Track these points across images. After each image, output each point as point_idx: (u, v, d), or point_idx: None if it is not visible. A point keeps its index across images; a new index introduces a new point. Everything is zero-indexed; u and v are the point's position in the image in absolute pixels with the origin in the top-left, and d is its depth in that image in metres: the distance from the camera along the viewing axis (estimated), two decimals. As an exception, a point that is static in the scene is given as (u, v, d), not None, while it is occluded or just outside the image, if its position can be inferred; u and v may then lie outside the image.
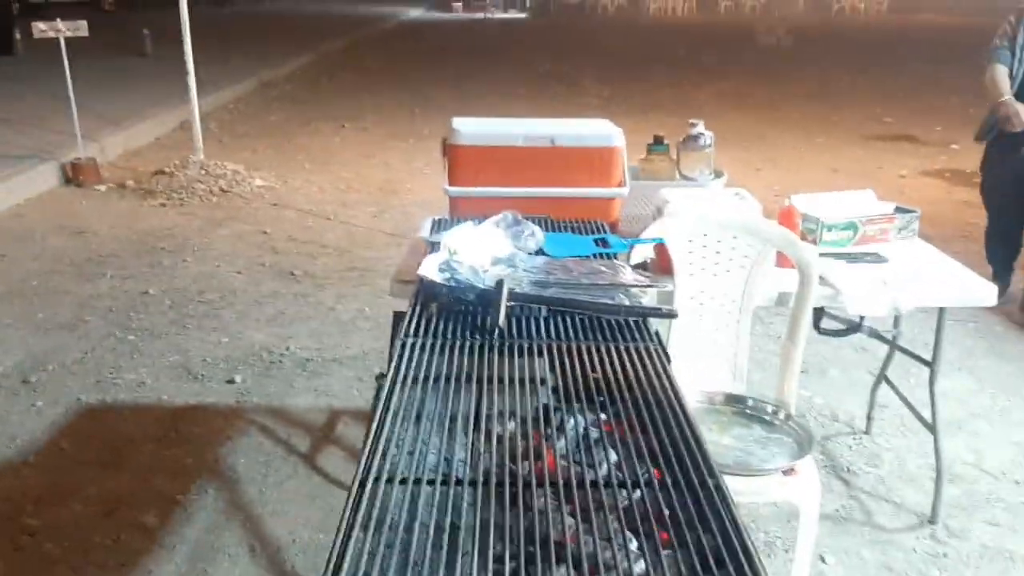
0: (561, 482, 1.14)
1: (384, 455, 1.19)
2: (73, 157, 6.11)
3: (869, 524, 2.59)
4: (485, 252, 1.99)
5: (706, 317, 2.31)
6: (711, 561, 0.99)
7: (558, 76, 12.04)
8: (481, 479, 1.15)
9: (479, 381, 1.44)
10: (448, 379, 1.44)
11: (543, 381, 1.46)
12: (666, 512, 1.08)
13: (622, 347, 1.55)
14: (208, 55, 9.54)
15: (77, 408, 3.25)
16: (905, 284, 2.31)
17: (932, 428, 2.55)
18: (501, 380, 1.44)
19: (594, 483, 1.15)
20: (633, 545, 1.03)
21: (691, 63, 13.59)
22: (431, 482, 1.14)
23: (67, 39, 5.75)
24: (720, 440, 2.09)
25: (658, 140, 2.76)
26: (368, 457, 1.18)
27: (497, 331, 1.59)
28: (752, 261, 2.26)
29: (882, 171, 6.89)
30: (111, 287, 4.45)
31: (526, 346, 1.55)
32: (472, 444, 1.27)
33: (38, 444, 3.00)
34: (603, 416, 1.36)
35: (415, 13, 24.75)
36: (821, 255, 2.48)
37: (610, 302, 1.72)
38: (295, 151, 7.60)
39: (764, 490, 2.00)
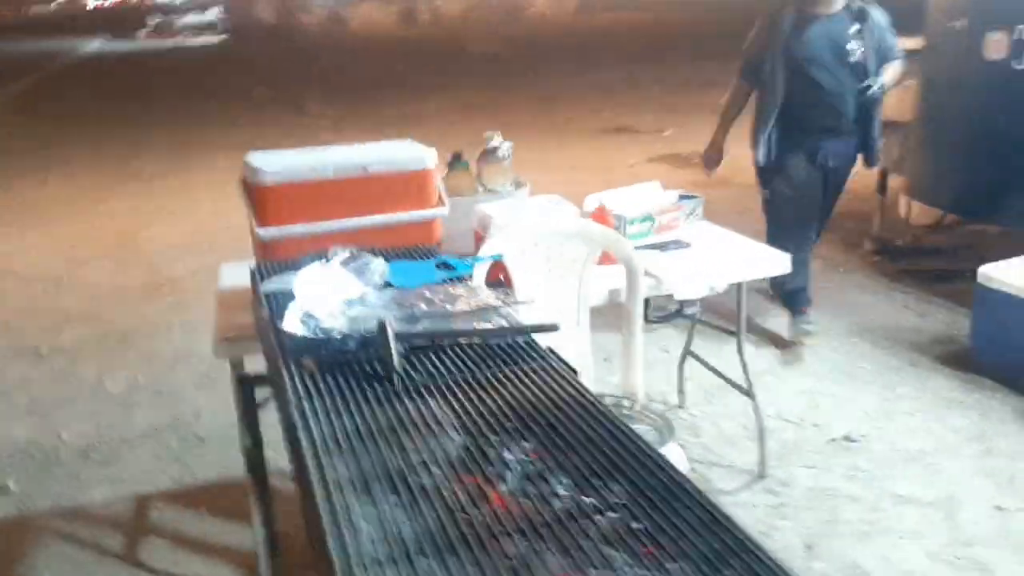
0: (529, 521, 1.09)
1: (348, 534, 1.06)
2: None
3: (710, 489, 2.75)
4: (333, 295, 1.86)
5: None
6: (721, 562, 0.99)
7: (277, 101, 11.65)
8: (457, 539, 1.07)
9: (393, 433, 1.34)
10: (362, 437, 1.32)
11: (458, 420, 1.39)
12: (650, 527, 1.07)
13: (523, 369, 1.51)
14: None
15: None
16: (712, 264, 2.48)
17: (748, 391, 2.76)
18: (416, 427, 1.35)
19: (566, 514, 1.11)
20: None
21: (412, 78, 13.74)
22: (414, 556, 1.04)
23: None
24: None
25: (457, 157, 2.74)
26: (335, 541, 1.05)
27: (393, 375, 1.49)
28: (582, 263, 2.31)
29: (612, 162, 7.39)
30: None
31: (426, 387, 1.46)
32: (429, 503, 1.17)
33: None
34: (527, 445, 1.32)
35: (96, 45, 22.72)
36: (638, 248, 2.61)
37: (492, 326, 1.68)
38: (-7, 213, 6.71)
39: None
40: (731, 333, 2.76)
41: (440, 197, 2.41)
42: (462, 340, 1.64)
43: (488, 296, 1.88)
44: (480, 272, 2.16)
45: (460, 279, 2.04)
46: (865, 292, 4.29)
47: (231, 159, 8.26)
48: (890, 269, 4.54)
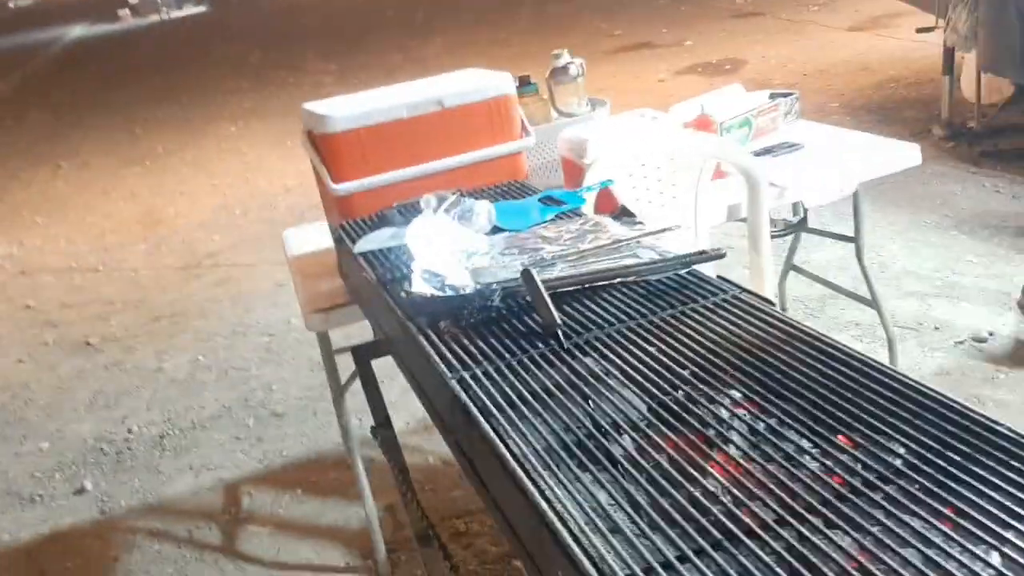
0: (790, 492, 0.87)
1: (580, 537, 0.85)
2: None
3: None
4: (452, 247, 1.64)
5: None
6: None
7: (275, 64, 11.29)
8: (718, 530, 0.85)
9: (569, 395, 1.12)
10: (535, 402, 1.11)
11: (643, 374, 1.16)
12: (952, 482, 0.84)
13: (704, 306, 1.29)
14: None
15: None
16: (834, 165, 2.23)
17: (873, 301, 2.53)
18: (595, 386, 1.13)
19: (833, 478, 0.89)
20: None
21: (405, 21, 13.29)
22: (675, 563, 0.82)
23: None
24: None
25: (525, 80, 2.47)
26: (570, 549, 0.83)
27: (557, 331, 1.26)
28: (695, 180, 2.07)
29: (641, 80, 7.06)
30: None
31: (596, 339, 1.24)
32: (648, 476, 0.96)
33: None
34: (737, 395, 1.10)
35: (78, 31, 22.20)
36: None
37: (646, 259, 1.45)
38: (15, 210, 6.50)
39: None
40: (849, 240, 2.52)
41: (524, 126, 2.16)
42: (616, 280, 1.42)
43: (618, 228, 1.65)
44: (590, 203, 1.93)
45: (573, 213, 1.81)
46: (948, 181, 4.01)
47: (241, 127, 8.07)
48: (969, 153, 4.25)
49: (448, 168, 2.03)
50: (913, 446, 0.89)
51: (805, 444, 0.96)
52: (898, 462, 0.88)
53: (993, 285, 3.06)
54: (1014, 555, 0.73)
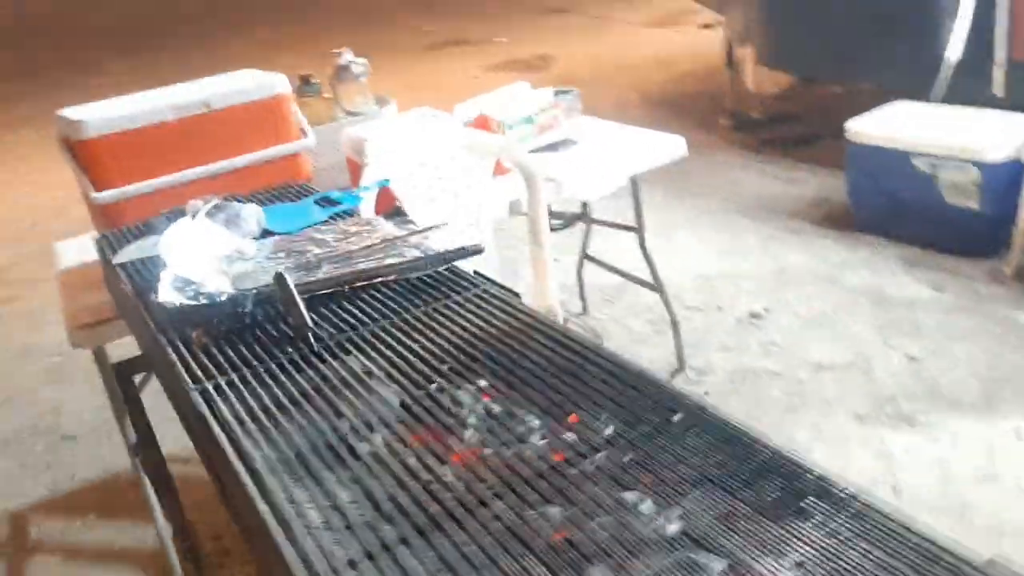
0: (513, 473, 0.92)
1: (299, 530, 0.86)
2: None
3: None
4: (207, 253, 1.60)
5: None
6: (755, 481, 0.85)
7: (67, 63, 10.52)
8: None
9: (318, 398, 1.12)
10: (283, 409, 1.10)
11: (392, 372, 1.18)
12: (651, 452, 0.91)
13: (455, 301, 1.32)
14: None
15: None
16: (610, 159, 2.34)
17: (657, 286, 2.67)
18: (345, 388, 1.13)
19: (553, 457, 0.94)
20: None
21: (192, 21, 12.73)
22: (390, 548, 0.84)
23: None
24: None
25: (306, 80, 2.44)
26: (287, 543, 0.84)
27: (307, 334, 1.26)
28: (476, 177, 2.11)
29: (455, 78, 7.11)
30: None
31: (348, 340, 1.24)
32: (388, 471, 0.97)
33: None
34: (481, 384, 1.14)
35: None
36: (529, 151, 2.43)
37: (409, 258, 1.46)
38: None
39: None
40: (630, 229, 2.64)
41: (302, 127, 2.13)
42: (376, 280, 1.43)
43: (388, 228, 1.66)
44: (368, 203, 1.93)
45: (348, 214, 1.80)
46: (733, 168, 4.29)
47: (24, 135, 7.46)
48: (751, 141, 4.56)
49: (220, 172, 1.97)
50: (619, 421, 0.95)
51: (536, 424, 1.01)
52: (608, 434, 0.94)
53: (769, 264, 3.30)
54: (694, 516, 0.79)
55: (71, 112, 1.93)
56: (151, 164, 1.94)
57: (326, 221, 1.77)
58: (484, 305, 1.30)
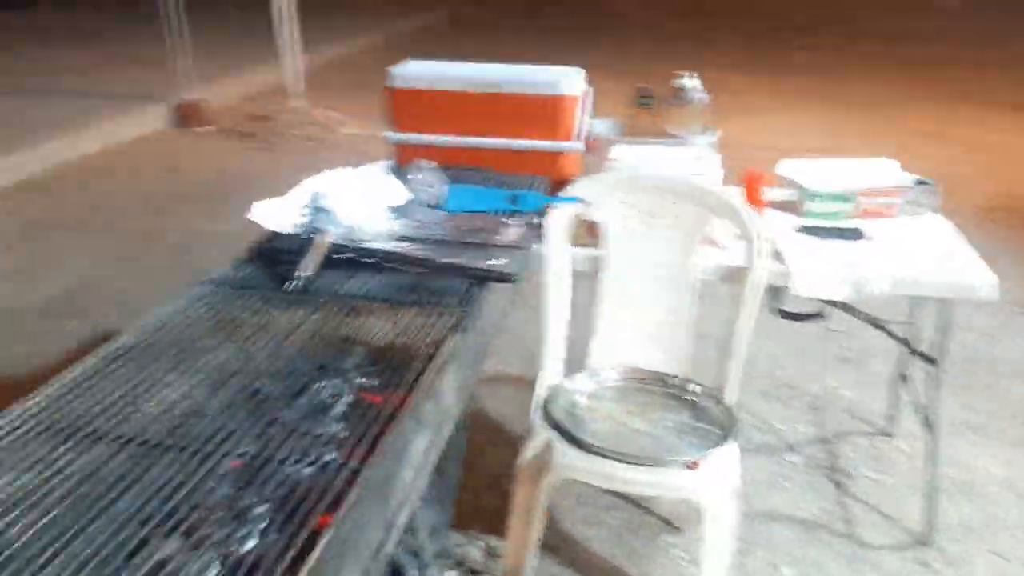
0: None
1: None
2: (181, 100, 6.40)
3: (848, 536, 2.29)
4: (378, 201, 1.87)
5: (641, 287, 2.07)
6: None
7: (685, 35, 11.38)
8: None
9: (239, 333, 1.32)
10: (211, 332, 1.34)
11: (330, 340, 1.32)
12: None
13: (423, 310, 1.39)
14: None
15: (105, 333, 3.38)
16: (879, 265, 1.98)
17: (932, 433, 2.19)
18: (269, 333, 1.32)
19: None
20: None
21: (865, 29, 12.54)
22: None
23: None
24: (630, 423, 1.88)
25: (643, 93, 2.50)
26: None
27: (299, 283, 1.46)
28: (690, 228, 2.00)
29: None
30: (178, 224, 4.60)
31: (322, 301, 1.42)
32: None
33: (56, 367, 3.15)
34: (368, 383, 1.22)
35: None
36: (803, 228, 2.19)
37: (443, 260, 1.56)
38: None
39: (664, 483, 1.79)
40: (929, 360, 2.18)
41: (577, 130, 2.24)
42: (407, 268, 1.55)
43: (508, 236, 1.74)
44: (560, 215, 1.98)
45: (522, 214, 1.90)
46: None
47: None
48: None
49: (486, 147, 2.19)
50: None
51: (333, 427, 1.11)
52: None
53: None
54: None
55: (398, 67, 2.33)
56: (438, 122, 2.25)
57: (499, 213, 1.90)
58: (429, 321, 1.35)
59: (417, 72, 2.28)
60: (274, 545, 0.85)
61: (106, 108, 6.26)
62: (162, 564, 0.83)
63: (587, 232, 2.09)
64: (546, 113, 2.21)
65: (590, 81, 2.47)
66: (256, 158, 5.74)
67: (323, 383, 1.19)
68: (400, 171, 2.01)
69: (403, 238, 1.69)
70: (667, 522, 2.30)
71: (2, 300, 3.65)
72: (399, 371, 1.20)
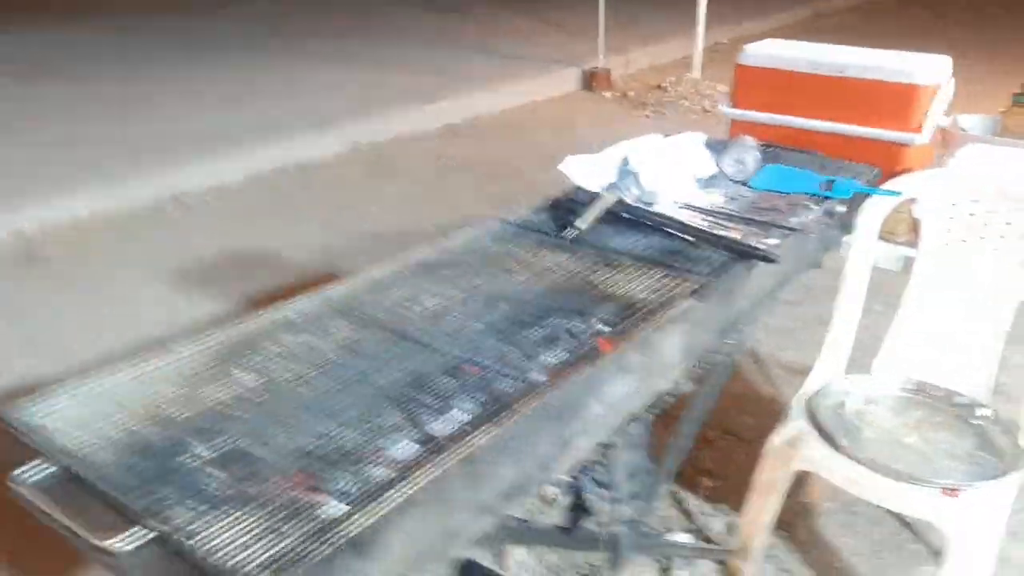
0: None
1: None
2: (592, 66, 6.86)
3: None
4: (685, 170, 1.97)
5: (952, 298, 1.92)
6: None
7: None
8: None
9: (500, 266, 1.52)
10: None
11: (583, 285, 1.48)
12: None
13: (670, 273, 1.48)
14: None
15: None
16: None
17: None
18: (533, 270, 1.51)
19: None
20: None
21: None
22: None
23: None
24: (901, 437, 1.79)
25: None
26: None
27: (574, 233, 1.63)
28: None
29: None
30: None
31: (586, 251, 1.57)
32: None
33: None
34: (605, 329, 1.37)
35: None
36: None
37: (708, 230, 1.61)
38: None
39: (912, 503, 1.69)
40: None
41: (928, 122, 2.09)
42: (677, 234, 1.64)
43: (800, 219, 1.75)
44: (875, 206, 1.91)
45: (831, 201, 1.87)
46: None
47: None
48: None
49: (819, 130, 2.15)
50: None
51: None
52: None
53: None
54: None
55: (753, 44, 2.35)
56: (777, 102, 2.25)
57: (804, 194, 1.90)
58: (670, 285, 1.45)
59: (768, 51, 2.30)
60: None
61: (529, 69, 6.94)
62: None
63: (909, 229, 1.99)
64: (894, 102, 2.10)
65: (957, 72, 2.28)
66: (644, 124, 6.01)
67: (562, 320, 1.35)
68: (717, 144, 2.08)
69: (688, 206, 1.77)
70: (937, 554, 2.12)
71: (404, 223, 4.33)
72: (623, 321, 1.32)
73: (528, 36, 8.33)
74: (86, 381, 1.15)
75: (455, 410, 1.11)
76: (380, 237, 4.09)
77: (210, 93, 6.22)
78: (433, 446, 1.05)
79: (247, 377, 1.16)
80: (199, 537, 0.88)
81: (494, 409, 1.10)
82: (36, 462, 1.02)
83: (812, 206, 1.82)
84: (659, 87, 6.67)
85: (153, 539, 0.89)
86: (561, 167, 1.83)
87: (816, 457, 1.77)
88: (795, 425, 1.86)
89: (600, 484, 1.37)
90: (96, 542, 0.88)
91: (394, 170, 5.15)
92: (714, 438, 2.59)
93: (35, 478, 1.00)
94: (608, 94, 6.74)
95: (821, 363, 1.99)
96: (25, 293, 3.59)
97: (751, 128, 2.32)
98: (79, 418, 1.07)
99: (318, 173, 5.05)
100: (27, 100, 6.15)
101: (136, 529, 0.90)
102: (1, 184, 4.36)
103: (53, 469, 1.00)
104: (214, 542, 0.88)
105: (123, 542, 0.89)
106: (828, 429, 1.78)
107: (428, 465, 1.01)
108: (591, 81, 6.85)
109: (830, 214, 1.81)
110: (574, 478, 1.31)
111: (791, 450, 1.84)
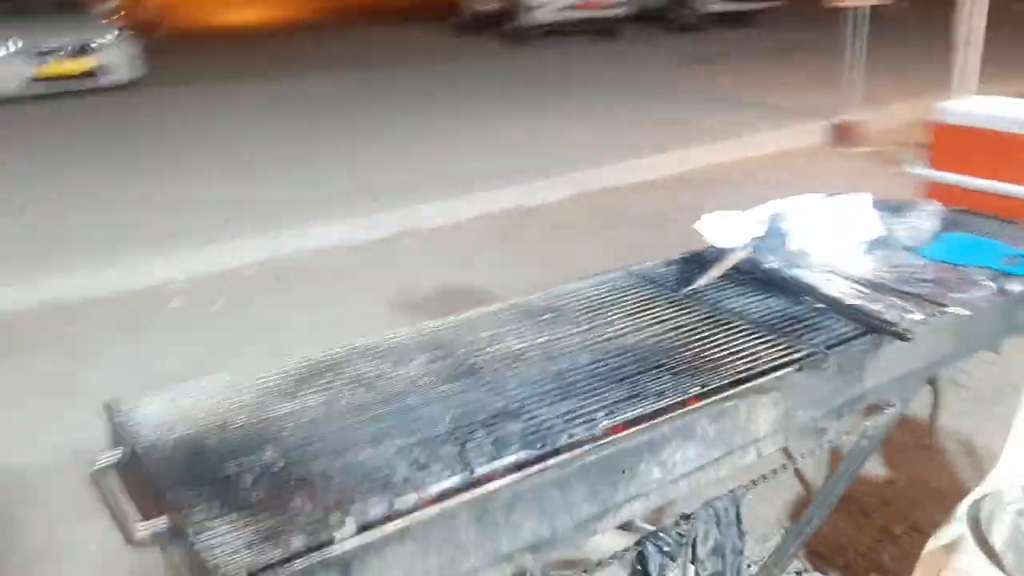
0: None
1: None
2: (843, 118, 6.49)
3: None
4: (847, 232, 1.83)
5: None
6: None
7: None
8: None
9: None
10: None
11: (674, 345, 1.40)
12: None
13: (778, 340, 1.37)
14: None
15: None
16: None
17: None
18: (634, 322, 1.46)
19: None
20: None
21: None
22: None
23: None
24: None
25: None
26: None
27: (691, 288, 1.56)
28: None
29: None
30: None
31: (696, 310, 1.49)
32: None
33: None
34: (692, 390, 1.30)
35: None
36: None
37: (839, 299, 1.47)
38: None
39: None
40: None
41: None
42: (805, 298, 1.51)
43: (963, 294, 1.55)
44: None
45: (1014, 279, 1.64)
46: None
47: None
48: None
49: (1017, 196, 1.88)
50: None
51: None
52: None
53: None
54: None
55: (951, 102, 2.11)
56: (979, 164, 2.00)
57: (980, 268, 1.68)
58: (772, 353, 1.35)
59: (969, 108, 2.07)
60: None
61: (770, 119, 6.71)
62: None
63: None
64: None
65: None
66: (893, 183, 5.55)
67: (639, 376, 1.29)
68: (889, 206, 1.90)
69: (834, 271, 1.63)
70: None
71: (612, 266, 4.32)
72: (704, 386, 1.24)
73: (780, 87, 8.09)
74: (185, 384, 1.27)
75: (488, 451, 1.10)
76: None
77: (457, 138, 6.67)
78: (462, 484, 1.05)
79: (312, 398, 1.23)
80: (205, 535, 0.95)
81: (525, 459, 1.08)
82: (117, 449, 1.15)
83: (986, 282, 1.61)
84: (921, 144, 6.15)
85: (169, 529, 0.97)
86: (696, 225, 1.76)
87: (971, 570, 1.54)
88: (956, 529, 1.63)
89: (666, 554, 1.28)
90: (124, 524, 0.98)
91: (615, 216, 5.18)
92: (899, 533, 2.33)
93: (110, 463, 1.13)
94: (856, 149, 6.34)
95: (1003, 462, 1.74)
96: (273, 308, 4.09)
97: (946, 192, 2.09)
98: (164, 415, 1.20)
99: (543, 216, 5.22)
100: (307, 137, 6.95)
101: (162, 519, 0.99)
102: (262, 218, 4.96)
103: (125, 457, 1.13)
104: (214, 541, 0.94)
105: (145, 529, 0.97)
106: (992, 541, 1.54)
107: (447, 502, 1.02)
108: (838, 134, 6.48)
109: (1004, 292, 1.58)
110: (638, 543, 1.23)
111: (945, 555, 1.61)
